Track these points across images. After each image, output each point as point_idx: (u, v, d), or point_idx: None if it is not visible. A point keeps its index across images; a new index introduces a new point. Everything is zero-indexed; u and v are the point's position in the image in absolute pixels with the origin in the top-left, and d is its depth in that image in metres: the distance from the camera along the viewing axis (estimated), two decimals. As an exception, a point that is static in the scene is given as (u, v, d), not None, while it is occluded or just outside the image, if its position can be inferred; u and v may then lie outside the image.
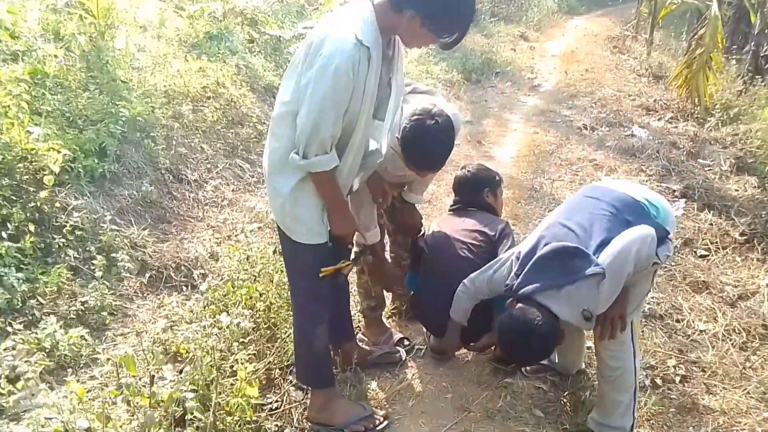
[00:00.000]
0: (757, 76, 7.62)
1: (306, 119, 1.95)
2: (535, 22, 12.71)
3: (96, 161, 3.69)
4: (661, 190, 4.82)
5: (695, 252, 4.06)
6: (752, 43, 8.19)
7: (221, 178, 4.60)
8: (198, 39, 6.15)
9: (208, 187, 4.42)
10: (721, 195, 4.78)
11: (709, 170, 5.45)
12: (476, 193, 3.03)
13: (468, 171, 3.10)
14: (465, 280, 2.65)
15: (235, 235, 3.90)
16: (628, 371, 2.36)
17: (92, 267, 3.16)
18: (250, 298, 2.93)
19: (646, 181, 4.96)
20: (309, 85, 1.92)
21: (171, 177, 4.23)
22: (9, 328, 2.69)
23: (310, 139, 1.97)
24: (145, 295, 3.30)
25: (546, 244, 2.31)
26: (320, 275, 2.27)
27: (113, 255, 3.29)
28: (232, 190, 4.56)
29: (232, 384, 2.40)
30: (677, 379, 2.84)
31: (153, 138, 4.22)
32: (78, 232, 3.28)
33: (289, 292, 2.70)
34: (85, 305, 3.00)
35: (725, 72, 7.26)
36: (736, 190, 5.00)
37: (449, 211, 3.14)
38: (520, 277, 2.32)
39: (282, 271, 3.11)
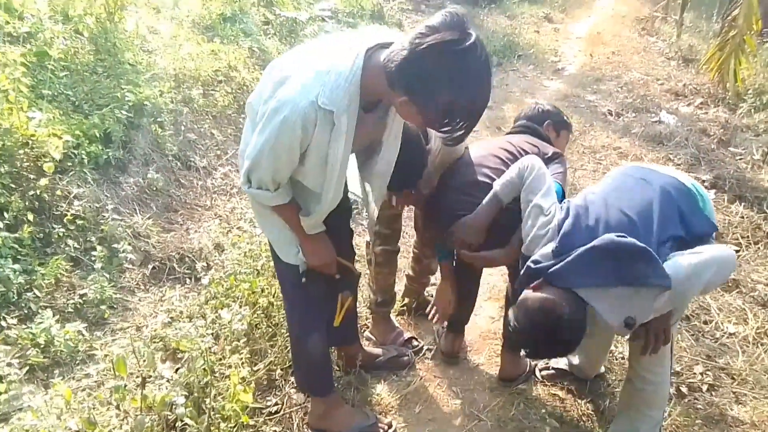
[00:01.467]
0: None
1: (251, 149, 1.74)
2: (560, 3, 12.29)
3: (101, 147, 3.56)
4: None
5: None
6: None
7: (231, 165, 4.45)
8: (211, 20, 5.99)
9: (217, 174, 4.29)
10: (753, 186, 4.51)
11: (740, 159, 5.17)
12: (537, 121, 2.69)
13: (537, 102, 2.86)
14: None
15: (242, 226, 3.76)
16: (664, 385, 2.16)
17: (93, 258, 3.05)
18: (252, 293, 2.80)
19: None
20: (262, 118, 1.68)
21: (179, 164, 4.09)
22: (3, 323, 2.59)
23: (250, 170, 1.78)
24: (147, 287, 3.18)
25: (605, 231, 1.92)
26: (335, 324, 2.14)
27: (115, 246, 3.17)
28: (242, 177, 4.41)
29: (228, 387, 2.26)
30: (704, 387, 2.64)
31: (161, 123, 4.09)
32: (79, 222, 3.16)
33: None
34: (84, 298, 2.89)
35: (758, 55, 6.89)
36: (769, 181, 4.72)
37: (510, 131, 2.78)
38: (563, 263, 1.88)
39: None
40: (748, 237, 3.89)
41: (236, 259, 3.04)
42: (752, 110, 6.06)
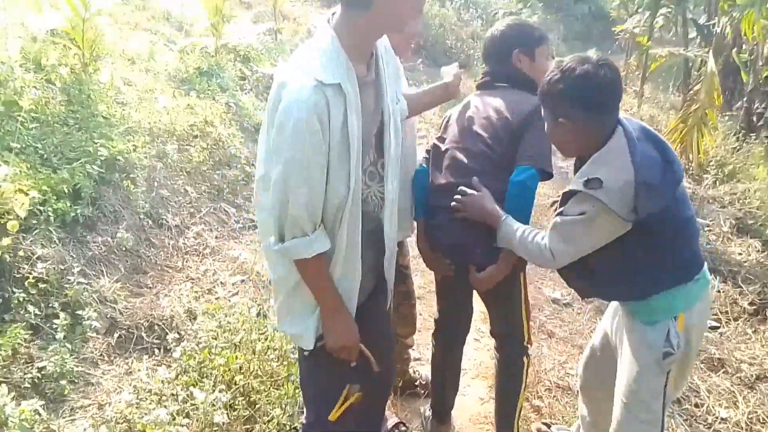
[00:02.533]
0: (750, 134, 7.53)
1: (272, 195, 1.56)
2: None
3: (69, 204, 3.34)
4: (665, 251, 4.57)
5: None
6: (744, 100, 8.14)
7: (204, 223, 4.26)
8: (188, 74, 5.88)
9: (190, 233, 4.09)
10: (726, 259, 4.54)
11: (709, 230, 5.23)
12: (504, 58, 2.26)
13: (496, 29, 2.32)
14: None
15: (215, 290, 3.56)
16: None
17: (54, 326, 2.80)
18: (228, 369, 2.59)
19: (649, 241, 4.71)
20: (273, 149, 1.55)
21: (150, 222, 3.88)
22: (-50, 401, 2.32)
23: (281, 219, 1.58)
24: (111, 358, 2.93)
25: None
26: (330, 417, 1.80)
27: (79, 312, 2.92)
28: (216, 237, 4.23)
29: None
30: (702, 477, 2.53)
31: (133, 179, 3.89)
32: (42, 285, 2.92)
33: (273, 366, 2.38)
34: (43, 372, 2.63)
35: (719, 129, 7.12)
36: (740, 254, 4.77)
37: (476, 90, 2.39)
38: None
39: (267, 338, 2.78)
40: (727, 312, 3.88)
41: (211, 331, 2.83)
42: (716, 182, 6.20)
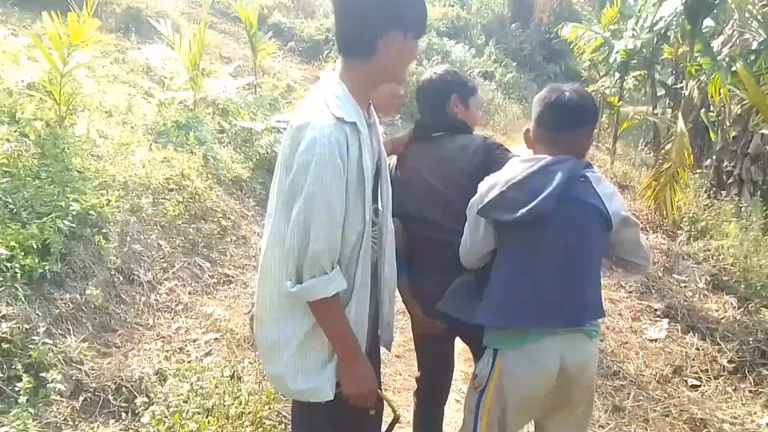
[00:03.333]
0: (721, 191, 7.71)
1: (291, 234, 1.55)
2: (501, 127, 12.95)
3: (36, 260, 3.24)
4: (643, 308, 4.59)
5: (686, 381, 3.77)
6: (714, 158, 8.38)
7: (177, 278, 4.17)
8: (165, 127, 5.87)
9: (162, 289, 3.98)
10: (704, 316, 4.56)
11: (685, 287, 5.27)
12: (442, 103, 2.29)
13: (433, 73, 2.35)
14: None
15: (187, 349, 3.45)
16: None
17: (17, 389, 2.66)
18: (201, 436, 2.48)
19: (627, 297, 4.73)
20: (290, 192, 1.56)
21: (121, 278, 3.78)
22: None
23: (299, 258, 1.55)
24: (76, 423, 2.78)
25: None
26: None
27: (43, 374, 2.79)
28: (189, 293, 4.13)
29: None
30: None
31: (105, 234, 3.81)
32: (5, 346, 2.79)
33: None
34: (0, 440, 2.48)
35: (691, 187, 7.29)
36: (717, 311, 4.80)
37: (411, 139, 2.33)
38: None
39: (241, 402, 2.68)
40: (707, 371, 3.86)
41: (182, 394, 2.72)
42: (690, 238, 6.30)
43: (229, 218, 5.18)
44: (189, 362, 3.19)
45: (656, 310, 4.59)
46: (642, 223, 7.01)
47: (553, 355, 1.83)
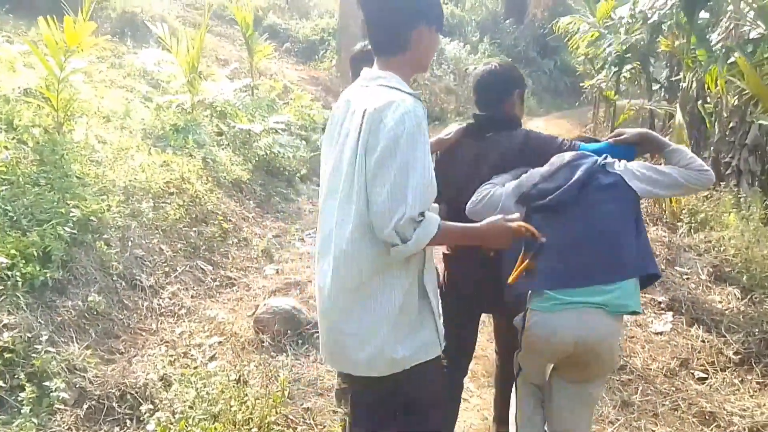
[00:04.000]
0: (719, 182, 7.67)
1: (390, 200, 1.59)
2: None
3: (38, 268, 3.19)
4: (647, 301, 4.53)
5: (693, 374, 3.73)
6: (711, 150, 8.33)
7: (180, 282, 4.12)
8: (164, 131, 5.82)
9: (165, 293, 3.94)
10: (708, 308, 4.52)
11: (688, 278, 5.23)
12: (503, 98, 2.33)
13: (493, 67, 2.36)
14: None
15: (192, 354, 3.40)
16: None
17: (20, 399, 2.61)
18: (208, 443, 2.43)
19: (631, 291, 4.68)
20: (380, 164, 1.62)
21: (123, 283, 3.73)
22: None
23: (400, 221, 1.58)
24: (81, 431, 2.73)
25: None
26: (509, 282, 1.88)
27: (46, 383, 2.74)
28: (192, 296, 4.08)
29: None
30: None
31: (106, 240, 3.76)
32: (7, 355, 2.74)
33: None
34: (5, 450, 2.44)
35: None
36: (720, 302, 4.75)
37: (463, 134, 2.37)
38: None
39: (248, 407, 2.63)
40: (713, 363, 3.82)
41: (187, 400, 2.67)
42: (691, 230, 6.25)
43: (230, 221, 5.13)
44: (194, 367, 3.14)
45: (660, 303, 4.54)
46: (642, 215, 6.97)
47: (570, 326, 1.99)
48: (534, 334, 2.05)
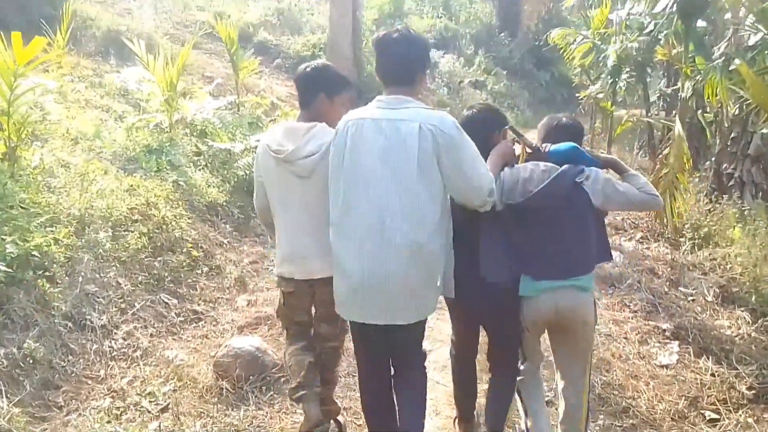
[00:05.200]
0: (722, 195, 7.26)
1: (478, 174, 2.20)
2: (493, 135, 12.57)
3: (-37, 313, 2.80)
4: (650, 329, 4.12)
5: (703, 415, 3.29)
6: (713, 161, 7.92)
7: (138, 320, 3.71)
8: (135, 153, 5.44)
9: (119, 333, 3.53)
10: (717, 336, 4.08)
11: (692, 300, 4.81)
12: (488, 135, 2.55)
13: (476, 110, 2.64)
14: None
15: (142, 405, 2.98)
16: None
17: None
18: None
19: (632, 317, 4.26)
20: (463, 157, 2.18)
21: (70, 324, 3.33)
22: None
23: (486, 184, 2.22)
24: None
25: None
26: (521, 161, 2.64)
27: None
28: (150, 335, 3.67)
29: None
30: None
31: (50, 277, 3.36)
32: None
33: None
34: None
35: (691, 192, 6.82)
36: (729, 327, 4.32)
37: None
38: None
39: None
40: (725, 401, 3.38)
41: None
42: (695, 247, 5.83)
43: (201, 248, 4.73)
44: (143, 422, 2.72)
45: (665, 331, 4.11)
46: (642, 231, 6.56)
47: (549, 302, 2.45)
48: (524, 304, 2.51)
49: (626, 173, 2.59)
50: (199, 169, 5.88)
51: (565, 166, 2.45)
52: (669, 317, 4.32)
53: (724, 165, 7.84)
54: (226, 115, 6.92)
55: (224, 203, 5.57)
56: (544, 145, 2.60)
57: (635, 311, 4.36)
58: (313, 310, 2.64)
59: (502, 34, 16.66)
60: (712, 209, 6.84)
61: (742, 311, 4.53)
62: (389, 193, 2.12)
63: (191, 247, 4.57)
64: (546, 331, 2.65)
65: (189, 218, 4.94)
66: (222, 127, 6.66)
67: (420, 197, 2.13)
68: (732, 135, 7.63)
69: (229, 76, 9.16)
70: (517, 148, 2.65)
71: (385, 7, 13.94)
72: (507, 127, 2.63)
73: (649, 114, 11.67)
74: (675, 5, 6.13)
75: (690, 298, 4.86)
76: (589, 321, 2.51)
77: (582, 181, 2.42)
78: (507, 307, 2.48)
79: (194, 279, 4.39)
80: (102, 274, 3.78)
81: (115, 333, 3.52)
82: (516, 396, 2.71)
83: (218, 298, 4.33)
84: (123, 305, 3.72)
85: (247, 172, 6.09)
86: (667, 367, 3.73)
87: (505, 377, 2.61)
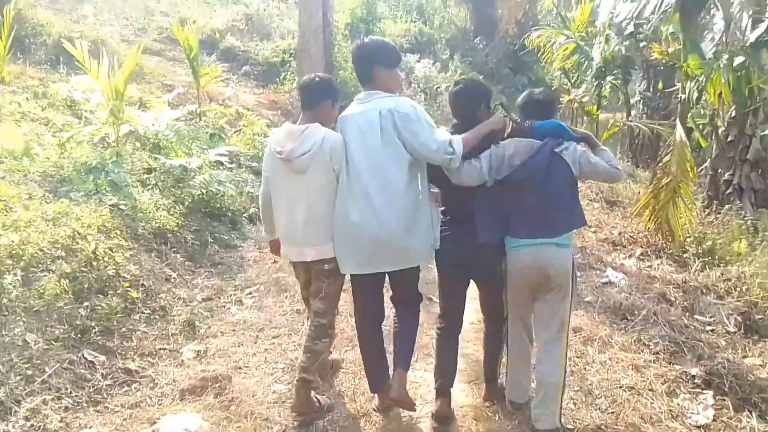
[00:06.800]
0: (723, 204, 6.62)
1: (437, 142, 2.60)
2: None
3: None
4: (677, 376, 3.38)
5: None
6: (708, 166, 7.29)
7: (49, 389, 2.86)
8: (69, 172, 4.57)
9: (20, 412, 2.68)
10: (755, 382, 3.36)
11: (712, 331, 4.11)
12: (473, 110, 2.83)
13: (462, 85, 2.91)
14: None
15: None
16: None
17: None
18: None
19: (654, 361, 3.52)
20: (415, 129, 2.61)
21: (-52, 407, 2.48)
22: None
23: (446, 144, 2.60)
24: None
25: None
26: (506, 135, 2.80)
27: None
28: (65, 409, 2.82)
29: None
30: None
31: None
32: None
33: None
34: None
35: (695, 203, 6.15)
36: (764, 367, 3.62)
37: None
38: None
39: None
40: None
41: None
42: (705, 266, 5.14)
43: (142, 286, 3.89)
44: None
45: (694, 377, 3.39)
46: (641, 247, 5.85)
47: (529, 256, 2.70)
48: (508, 263, 2.77)
49: (597, 147, 2.82)
50: (148, 189, 5.03)
51: (546, 139, 2.67)
52: (696, 358, 3.59)
53: (721, 170, 7.23)
54: (181, 126, 6.05)
55: (176, 228, 4.72)
56: (528, 121, 2.74)
57: (656, 353, 3.61)
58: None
59: (478, 39, 15.98)
60: (713, 220, 6.19)
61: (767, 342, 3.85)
62: (366, 169, 2.62)
63: (128, 287, 3.73)
64: (528, 296, 2.81)
65: (130, 250, 4.10)
66: (177, 140, 5.81)
67: (386, 167, 2.61)
68: (729, 139, 7.01)
69: (192, 85, 8.29)
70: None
71: (358, 11, 13.15)
72: (497, 104, 2.86)
73: (630, 117, 11.11)
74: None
75: (709, 328, 4.16)
76: (567, 269, 2.73)
77: (561, 151, 2.66)
78: (494, 262, 2.82)
79: (131, 327, 3.55)
80: (4, 332, 2.92)
81: (16, 410, 2.67)
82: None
83: (160, 349, 3.50)
84: (30, 370, 2.87)
85: (204, 191, 5.25)
86: (705, 428, 2.99)
87: (495, 326, 2.99)
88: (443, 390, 2.88)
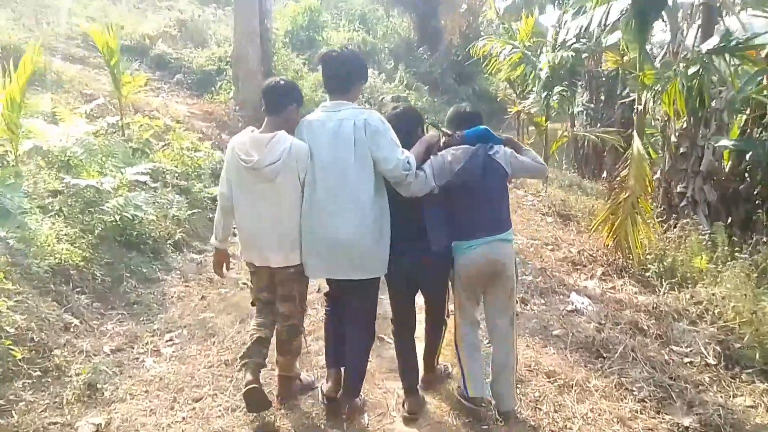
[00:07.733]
0: (673, 216, 6.32)
1: (396, 159, 2.63)
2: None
3: None
4: (669, 429, 2.89)
5: None
6: (661, 179, 7.00)
7: None
8: (-56, 200, 3.73)
9: None
10: (750, 430, 2.92)
11: (690, 364, 3.68)
12: (410, 131, 2.93)
13: (401, 109, 3.05)
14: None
15: None
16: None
17: None
18: None
19: (641, 410, 3.02)
20: (381, 143, 2.65)
21: None
22: None
23: (404, 162, 2.64)
24: None
25: None
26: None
27: None
28: None
29: None
30: None
31: None
32: None
33: None
34: None
35: (653, 219, 5.80)
36: (752, 407, 3.20)
37: None
38: None
39: None
40: None
41: None
42: (672, 287, 4.75)
43: (31, 340, 3.12)
44: None
45: (687, 428, 2.91)
46: (602, 266, 5.44)
47: (481, 253, 2.84)
48: (461, 265, 2.89)
49: (522, 149, 3.01)
50: (50, 216, 4.22)
51: (477, 145, 2.86)
52: (686, 405, 3.12)
53: (673, 182, 6.97)
54: (93, 142, 5.23)
55: (81, 263, 3.94)
56: (458, 132, 2.92)
57: (641, 400, 3.11)
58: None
59: (422, 49, 15.61)
60: (671, 235, 5.87)
61: (761, 382, 3.44)
62: (337, 177, 2.68)
63: (10, 345, 2.95)
64: (480, 293, 2.96)
65: (17, 294, 3.31)
66: (88, 158, 4.99)
67: (357, 177, 2.67)
68: (681, 150, 6.76)
69: (115, 94, 7.42)
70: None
71: (299, 18, 12.49)
72: (428, 122, 3.27)
73: (573, 127, 10.90)
74: (631, 4, 5.06)
75: (687, 361, 3.73)
76: (513, 260, 2.91)
77: (493, 154, 2.84)
78: (443, 272, 2.94)
79: (12, 397, 2.78)
80: None
81: None
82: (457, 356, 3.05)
83: (49, 424, 2.74)
84: None
85: (118, 216, 4.48)
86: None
87: (436, 323, 3.15)
88: (411, 389, 3.02)
